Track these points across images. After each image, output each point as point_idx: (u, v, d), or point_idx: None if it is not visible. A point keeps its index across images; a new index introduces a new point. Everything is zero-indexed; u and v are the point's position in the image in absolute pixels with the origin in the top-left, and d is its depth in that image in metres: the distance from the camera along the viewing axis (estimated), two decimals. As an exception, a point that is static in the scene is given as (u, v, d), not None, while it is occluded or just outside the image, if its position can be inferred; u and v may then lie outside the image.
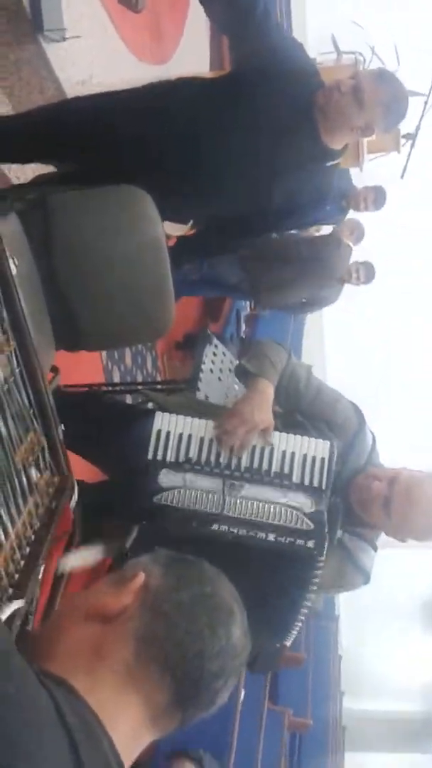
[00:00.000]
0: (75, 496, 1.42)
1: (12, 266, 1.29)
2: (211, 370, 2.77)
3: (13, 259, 1.30)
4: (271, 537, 1.68)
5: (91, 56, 3.08)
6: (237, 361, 2.46)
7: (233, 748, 3.48)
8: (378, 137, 4.29)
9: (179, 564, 0.89)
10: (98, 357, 3.43)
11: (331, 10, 6.89)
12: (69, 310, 1.82)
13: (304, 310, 4.96)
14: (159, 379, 4.30)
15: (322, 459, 1.79)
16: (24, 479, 1.30)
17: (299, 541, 1.68)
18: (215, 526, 1.69)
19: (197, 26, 4.69)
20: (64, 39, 2.75)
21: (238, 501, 1.72)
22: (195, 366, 2.76)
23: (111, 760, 0.71)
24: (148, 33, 4.03)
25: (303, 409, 1.92)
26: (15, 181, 2.37)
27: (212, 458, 1.78)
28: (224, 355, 2.80)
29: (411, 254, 7.51)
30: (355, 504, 1.84)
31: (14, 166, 2.43)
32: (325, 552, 1.69)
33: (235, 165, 2.02)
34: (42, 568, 1.28)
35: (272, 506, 1.72)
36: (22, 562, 1.24)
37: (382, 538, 1.94)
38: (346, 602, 8.52)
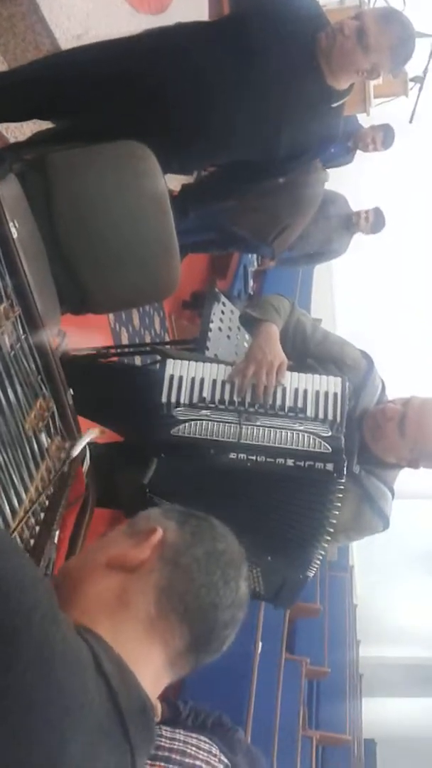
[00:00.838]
0: (87, 460, 1.42)
1: (13, 230, 1.26)
2: (220, 329, 2.74)
3: (14, 222, 1.28)
4: (290, 462, 1.71)
5: (87, 9, 2.98)
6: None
7: (252, 698, 3.57)
8: (385, 81, 4.18)
9: (192, 520, 0.93)
10: (105, 319, 3.41)
11: None
12: (73, 271, 1.80)
13: (311, 261, 4.86)
14: (168, 339, 4.28)
15: (335, 393, 1.81)
16: (35, 445, 1.30)
17: (318, 465, 1.70)
18: (233, 455, 1.71)
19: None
20: (57, -9, 2.66)
21: (254, 429, 1.73)
22: (203, 325, 2.74)
23: (147, 704, 0.77)
24: (144, -19, 3.90)
25: (312, 353, 1.94)
26: (12, 141, 2.32)
27: (226, 397, 1.79)
28: (232, 313, 2.78)
29: (420, 199, 7.36)
30: (369, 437, 1.85)
31: (12, 125, 2.38)
32: (344, 475, 1.71)
33: (241, 110, 1.98)
34: (57, 533, 1.29)
35: (289, 432, 1.73)
36: (38, 528, 1.25)
37: (398, 487, 1.94)
38: (359, 552, 8.62)
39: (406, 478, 1.99)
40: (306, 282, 6.58)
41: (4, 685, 0.63)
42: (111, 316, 3.46)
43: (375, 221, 4.17)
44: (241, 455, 1.70)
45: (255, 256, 5.64)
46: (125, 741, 0.73)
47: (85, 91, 1.93)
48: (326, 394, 1.81)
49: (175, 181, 2.43)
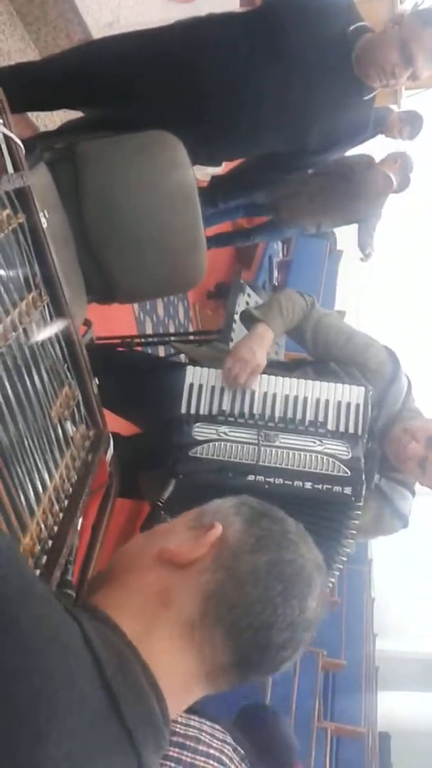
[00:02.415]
0: (110, 450, 1.44)
1: (43, 219, 1.27)
2: (244, 320, 2.74)
3: (43, 212, 1.29)
4: (308, 485, 1.70)
5: (118, -3, 2.99)
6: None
7: (269, 688, 3.59)
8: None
9: (262, 521, 0.83)
10: (130, 308, 3.42)
11: None
12: (100, 261, 1.81)
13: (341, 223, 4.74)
14: (191, 328, 4.28)
15: (357, 405, 1.79)
16: (60, 433, 1.32)
17: (336, 488, 1.69)
18: (251, 477, 1.70)
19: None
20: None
21: (273, 450, 1.72)
22: (227, 316, 2.75)
23: (149, 700, 0.68)
24: (176, -31, 3.88)
25: (335, 356, 1.91)
26: (42, 129, 2.33)
27: (246, 409, 1.79)
28: (257, 303, 2.78)
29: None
30: (392, 457, 1.84)
31: (42, 113, 2.39)
32: (362, 498, 1.70)
33: (271, 103, 1.97)
34: (80, 520, 1.30)
35: (308, 454, 1.72)
36: (61, 515, 1.26)
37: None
38: (379, 545, 8.59)
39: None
40: (331, 273, 6.54)
41: None
42: (136, 305, 3.48)
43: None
44: (259, 477, 1.70)
45: (280, 246, 5.62)
46: (122, 729, 0.64)
47: (116, 81, 1.93)
48: (348, 405, 1.79)
49: (205, 172, 2.43)
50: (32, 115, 2.36)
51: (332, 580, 1.84)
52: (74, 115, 2.14)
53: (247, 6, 4.78)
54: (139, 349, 2.91)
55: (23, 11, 2.58)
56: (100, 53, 2.06)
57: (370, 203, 3.96)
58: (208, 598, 0.75)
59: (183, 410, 1.77)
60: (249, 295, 2.93)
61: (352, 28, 1.94)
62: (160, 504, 1.74)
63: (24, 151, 1.20)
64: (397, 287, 7.93)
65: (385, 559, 8.69)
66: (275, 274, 5.29)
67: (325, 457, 1.72)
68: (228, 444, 1.73)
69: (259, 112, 1.99)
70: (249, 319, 1.90)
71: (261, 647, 0.76)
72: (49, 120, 2.33)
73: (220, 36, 1.96)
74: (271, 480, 1.70)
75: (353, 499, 1.69)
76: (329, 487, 1.69)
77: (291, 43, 1.92)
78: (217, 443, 1.73)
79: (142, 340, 3.05)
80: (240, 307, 2.81)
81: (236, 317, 2.71)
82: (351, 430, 1.77)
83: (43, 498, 1.22)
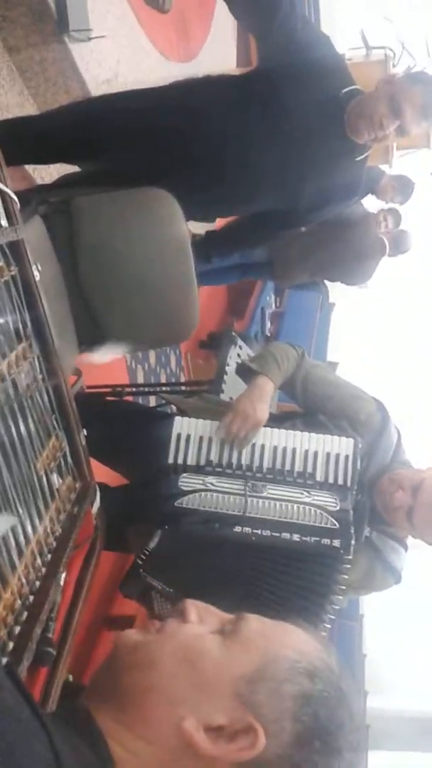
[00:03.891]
0: (97, 502, 1.42)
1: (36, 272, 1.28)
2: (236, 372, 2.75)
3: (36, 265, 1.30)
4: (296, 537, 1.68)
5: (117, 55, 3.07)
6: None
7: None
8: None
9: (313, 745, 0.65)
10: (123, 357, 3.43)
11: (360, 4, 6.81)
12: (93, 313, 1.82)
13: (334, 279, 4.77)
14: (183, 378, 4.29)
15: (346, 456, 1.78)
16: (46, 485, 1.30)
17: (324, 541, 1.68)
18: (238, 528, 1.68)
19: (224, 23, 4.66)
20: (90, 39, 2.75)
21: (260, 502, 1.71)
22: (219, 368, 2.75)
23: None
24: (175, 31, 4.02)
25: (324, 407, 1.91)
26: (39, 182, 2.37)
27: (233, 460, 1.78)
28: (249, 357, 2.79)
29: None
30: (381, 508, 1.82)
31: (39, 166, 2.43)
32: (351, 551, 1.68)
33: (264, 164, 2.01)
34: (63, 575, 1.28)
35: (296, 506, 1.71)
36: (43, 569, 1.24)
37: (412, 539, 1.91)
38: (370, 601, 8.47)
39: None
40: (323, 324, 6.60)
41: None
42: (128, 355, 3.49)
43: (396, 236, 4.02)
44: (246, 529, 1.68)
45: (273, 297, 5.68)
46: None
47: (112, 138, 1.97)
48: (337, 457, 1.78)
49: (199, 228, 2.47)
50: (29, 168, 2.40)
51: (324, 634, 1.80)
52: (71, 168, 2.18)
53: (243, 67, 4.94)
54: (130, 399, 2.91)
55: (23, 67, 2.65)
56: (97, 110, 2.11)
57: (363, 265, 4.01)
58: None
59: (170, 460, 1.76)
60: (240, 347, 2.94)
61: (344, 90, 2.00)
62: (143, 557, 1.71)
63: (19, 205, 1.21)
64: (388, 340, 8.01)
65: (377, 615, 8.56)
66: (268, 325, 5.34)
67: (313, 509, 1.70)
68: (214, 495, 1.71)
69: (252, 172, 2.03)
70: (247, 372, 1.90)
71: None
72: (46, 173, 2.37)
73: (216, 97, 2.02)
74: (258, 531, 1.68)
75: (342, 551, 1.67)
76: (317, 539, 1.67)
77: (285, 104, 1.98)
78: (203, 494, 1.71)
79: (133, 389, 3.05)
80: (231, 358, 2.82)
81: (227, 368, 2.72)
82: (340, 481, 1.75)
83: (25, 551, 1.20)
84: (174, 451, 1.77)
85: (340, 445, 1.80)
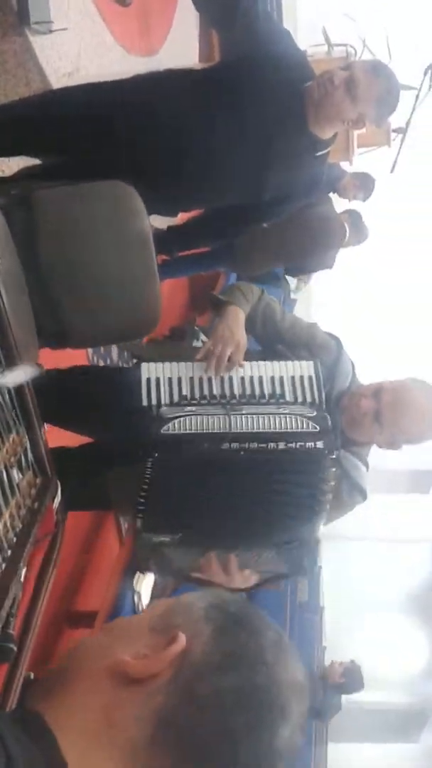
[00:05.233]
0: (58, 497, 1.42)
1: (-6, 265, 1.27)
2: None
3: (-4, 258, 1.29)
4: (281, 445, 1.74)
5: (78, 48, 3.05)
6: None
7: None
8: (368, 131, 4.26)
9: (236, 632, 0.70)
10: (84, 352, 3.41)
11: (321, 1, 6.85)
12: (54, 307, 1.80)
13: (294, 273, 4.82)
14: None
15: (310, 377, 1.86)
16: (5, 480, 1.30)
17: (308, 444, 1.74)
18: (225, 445, 1.74)
19: (186, 18, 4.66)
20: (51, 31, 2.72)
21: (242, 418, 1.78)
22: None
23: None
24: (137, 24, 4.00)
25: (282, 336, 1.98)
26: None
27: (206, 392, 1.83)
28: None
29: (401, 249, 7.52)
30: (346, 425, 1.88)
31: (-1, 159, 2.40)
32: (335, 450, 1.76)
33: (226, 158, 2.02)
34: (24, 571, 1.27)
35: (276, 417, 1.78)
36: (3, 565, 1.23)
37: (361, 529, 1.96)
38: (330, 594, 8.57)
39: (374, 522, 2.01)
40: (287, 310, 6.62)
41: None
42: (89, 349, 3.46)
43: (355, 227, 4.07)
44: (234, 444, 1.73)
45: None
46: None
47: (72, 131, 1.96)
48: (302, 378, 1.86)
49: (161, 222, 2.46)
50: (-12, 160, 2.37)
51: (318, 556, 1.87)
52: (31, 162, 2.16)
53: (205, 61, 4.94)
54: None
55: (-17, 59, 2.61)
56: (58, 102, 2.10)
57: (326, 250, 4.04)
58: (158, 723, 0.65)
59: (144, 403, 1.80)
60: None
61: (306, 84, 2.01)
62: (141, 498, 1.75)
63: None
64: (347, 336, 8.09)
65: (337, 607, 8.66)
66: (229, 320, 5.34)
67: (292, 417, 1.78)
68: (197, 417, 1.76)
69: (214, 166, 2.03)
70: (215, 304, 1.96)
71: None
72: (6, 167, 2.34)
73: (178, 91, 2.01)
74: (246, 445, 1.74)
75: (326, 452, 1.74)
76: (302, 444, 1.74)
77: (247, 98, 1.98)
78: (186, 418, 1.76)
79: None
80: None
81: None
82: (308, 399, 1.83)
83: (-15, 547, 1.19)
84: (146, 394, 1.81)
85: (302, 368, 1.88)
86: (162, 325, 4.51)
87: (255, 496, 1.81)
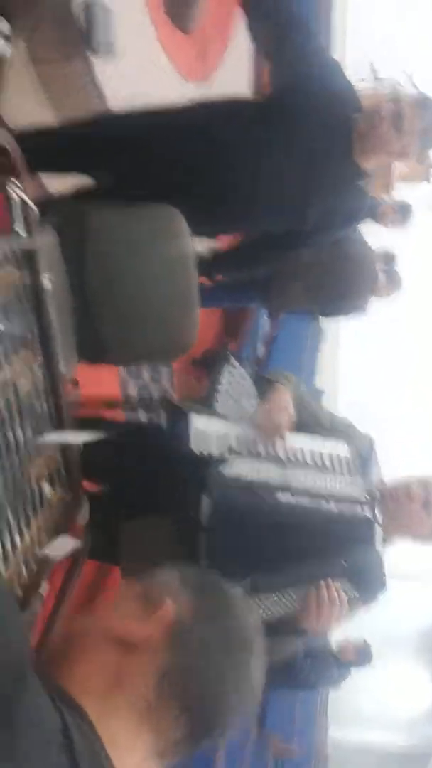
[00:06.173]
0: (85, 515, 1.43)
1: (46, 282, 1.30)
2: (228, 392, 2.76)
3: (47, 275, 1.32)
4: (333, 506, 1.75)
5: (137, 73, 3.11)
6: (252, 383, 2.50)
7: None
8: (408, 166, 4.28)
9: (208, 592, 0.85)
10: (116, 369, 3.44)
11: (370, 35, 6.91)
12: (95, 324, 1.83)
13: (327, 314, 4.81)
14: (174, 394, 4.29)
15: (346, 457, 1.88)
16: (36, 493, 1.31)
17: (358, 509, 1.75)
18: (280, 494, 1.74)
19: (241, 47, 4.72)
20: (113, 55, 2.78)
21: (298, 472, 1.79)
22: (212, 385, 2.76)
23: None
24: (194, 52, 4.07)
25: (320, 422, 2.01)
26: (53, 192, 2.38)
27: (252, 449, 1.85)
28: (243, 378, 2.80)
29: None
30: (390, 511, 1.85)
31: (54, 177, 2.45)
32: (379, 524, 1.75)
33: (273, 184, 2.05)
34: (45, 585, 1.28)
35: (329, 475, 1.81)
36: (27, 578, 1.24)
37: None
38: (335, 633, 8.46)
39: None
40: (312, 351, 6.63)
41: None
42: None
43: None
44: (288, 496, 1.74)
45: (267, 321, 5.69)
46: None
47: (127, 153, 2.00)
48: (346, 458, 1.87)
49: (201, 245, 2.49)
50: (45, 178, 2.42)
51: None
52: (85, 181, 2.20)
53: (257, 88, 5.01)
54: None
55: (45, 79, 2.67)
56: (115, 124, 2.14)
57: (359, 296, 4.04)
58: (161, 678, 0.76)
59: (197, 451, 1.81)
60: (234, 366, 2.95)
61: (354, 115, 2.04)
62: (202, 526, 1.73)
63: (38, 216, 1.23)
64: (373, 372, 8.05)
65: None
66: (260, 347, 5.35)
67: (344, 478, 1.81)
68: (256, 464, 1.79)
69: (260, 190, 2.06)
70: (263, 383, 2.05)
71: (212, 718, 0.79)
72: (61, 185, 2.39)
73: (229, 118, 2.05)
74: (300, 500, 1.75)
75: (374, 521, 1.74)
76: (353, 508, 1.74)
77: (296, 127, 2.02)
78: (247, 462, 1.79)
79: (127, 405, 3.05)
80: (224, 378, 2.83)
81: (219, 388, 2.73)
82: (353, 472, 1.85)
83: (11, 560, 1.21)
84: (196, 443, 1.82)
85: (338, 447, 1.90)
86: (194, 349, 4.53)
87: (302, 551, 1.77)
